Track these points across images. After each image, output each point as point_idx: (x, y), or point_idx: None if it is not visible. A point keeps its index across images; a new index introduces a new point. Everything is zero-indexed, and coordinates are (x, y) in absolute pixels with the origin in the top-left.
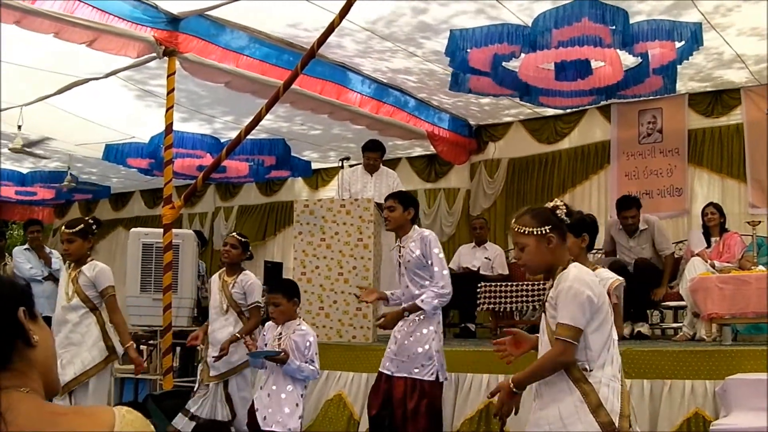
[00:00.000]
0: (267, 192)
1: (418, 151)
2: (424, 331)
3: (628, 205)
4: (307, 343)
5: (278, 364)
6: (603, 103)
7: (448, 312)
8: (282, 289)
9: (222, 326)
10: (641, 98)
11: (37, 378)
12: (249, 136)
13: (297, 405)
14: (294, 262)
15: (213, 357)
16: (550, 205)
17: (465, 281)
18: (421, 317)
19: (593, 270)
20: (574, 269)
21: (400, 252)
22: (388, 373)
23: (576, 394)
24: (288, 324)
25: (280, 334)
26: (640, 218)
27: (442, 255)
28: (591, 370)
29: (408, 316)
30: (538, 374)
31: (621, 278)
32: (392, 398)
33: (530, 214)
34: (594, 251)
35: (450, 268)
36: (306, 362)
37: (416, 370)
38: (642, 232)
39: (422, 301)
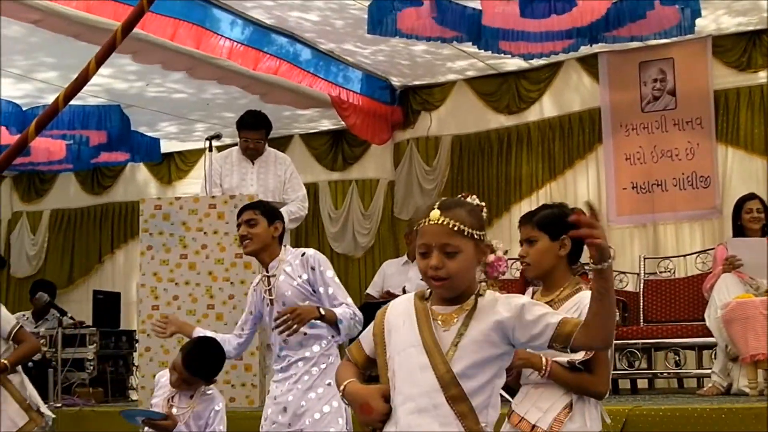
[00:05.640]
0: (94, 187)
1: (318, 126)
2: (328, 382)
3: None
4: (211, 412)
5: None
6: (586, 50)
7: None
8: (204, 372)
9: None
10: (643, 43)
11: None
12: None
13: None
14: (140, 290)
15: None
16: (470, 200)
17: None
18: (322, 366)
19: (575, 293)
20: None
21: (268, 284)
22: None
23: None
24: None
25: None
26: None
27: (338, 280)
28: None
29: (321, 318)
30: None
31: None
32: None
33: (466, 209)
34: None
35: (368, 295)
36: None
37: None
38: None
39: (341, 314)
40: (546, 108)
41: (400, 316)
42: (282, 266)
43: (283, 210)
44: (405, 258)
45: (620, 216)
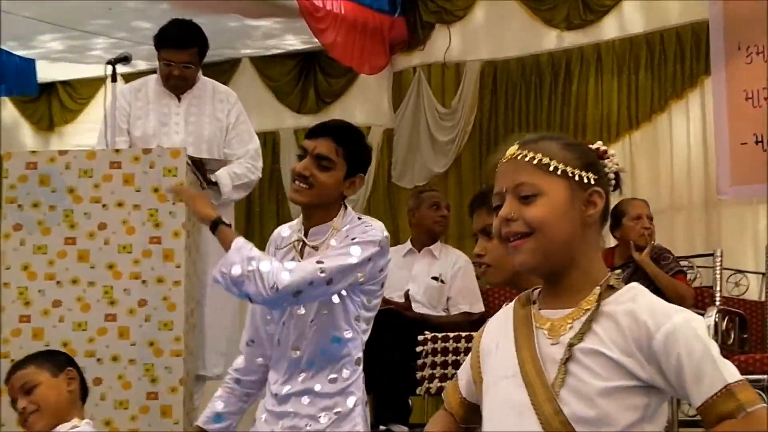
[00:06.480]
0: None
1: (279, 45)
2: (349, 402)
3: None
4: None
5: None
6: None
7: None
8: (36, 357)
9: None
10: None
11: None
12: None
13: None
14: (3, 292)
15: None
16: (592, 146)
17: (387, 330)
18: (335, 412)
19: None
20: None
21: (302, 256)
22: None
23: None
24: (58, 429)
25: None
26: None
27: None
28: None
29: (213, 228)
30: None
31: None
32: None
33: (560, 142)
34: None
35: None
36: None
37: None
38: None
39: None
40: (627, 20)
41: (494, 334)
42: (329, 238)
43: (223, 171)
44: (408, 245)
45: (737, 185)
